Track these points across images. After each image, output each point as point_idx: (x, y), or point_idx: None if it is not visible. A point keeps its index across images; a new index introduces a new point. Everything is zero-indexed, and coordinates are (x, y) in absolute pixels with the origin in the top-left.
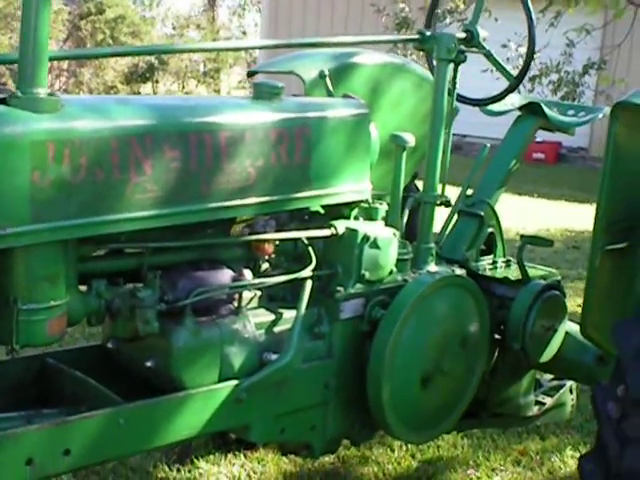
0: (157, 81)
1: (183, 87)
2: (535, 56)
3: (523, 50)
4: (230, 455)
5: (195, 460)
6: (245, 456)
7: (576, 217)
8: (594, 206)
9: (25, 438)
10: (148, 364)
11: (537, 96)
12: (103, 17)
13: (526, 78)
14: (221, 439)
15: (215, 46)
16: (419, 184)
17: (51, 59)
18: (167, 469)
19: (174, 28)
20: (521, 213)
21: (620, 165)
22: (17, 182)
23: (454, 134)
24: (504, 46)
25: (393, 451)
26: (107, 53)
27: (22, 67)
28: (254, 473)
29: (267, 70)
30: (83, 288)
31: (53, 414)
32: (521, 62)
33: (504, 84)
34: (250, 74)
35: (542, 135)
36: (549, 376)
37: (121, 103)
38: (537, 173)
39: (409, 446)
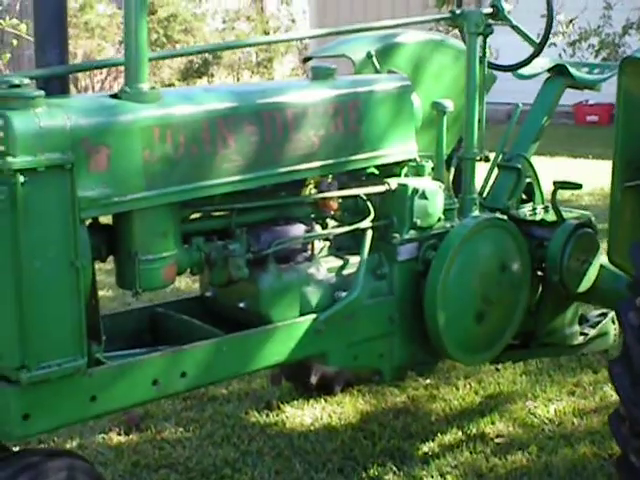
0: (212, 75)
1: (238, 79)
2: (574, 21)
3: (561, 18)
4: (312, 400)
5: (281, 405)
6: (325, 400)
7: None
8: None
9: (151, 363)
10: (241, 305)
11: (577, 60)
12: (156, 17)
13: (566, 43)
14: (303, 387)
15: (278, 38)
16: None
17: (150, 59)
18: (257, 414)
19: (224, 22)
20: (576, 174)
21: (630, 112)
22: (133, 159)
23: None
24: (543, 16)
25: (458, 389)
26: (195, 51)
27: (128, 67)
28: (334, 413)
29: (321, 55)
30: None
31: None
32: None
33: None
34: (305, 60)
35: (595, 97)
36: (596, 312)
37: (206, 91)
38: (591, 135)
39: (472, 384)
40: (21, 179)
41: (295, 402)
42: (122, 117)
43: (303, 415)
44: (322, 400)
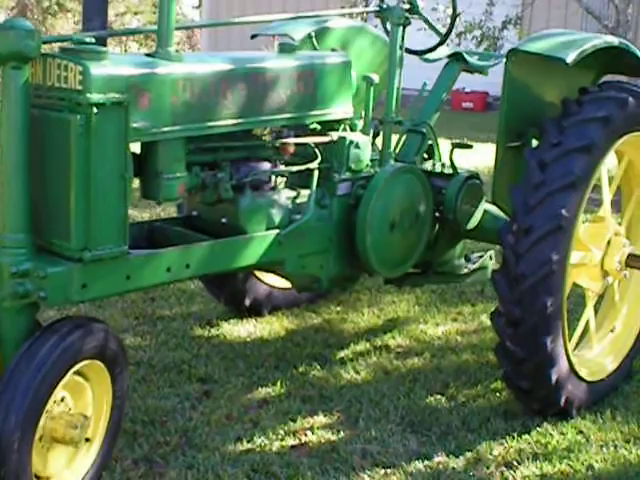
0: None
1: (126, 50)
2: (461, 15)
3: (450, 11)
4: (245, 319)
5: (219, 322)
6: (256, 320)
7: None
8: None
9: (166, 255)
10: (223, 220)
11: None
12: None
13: (454, 35)
14: (237, 309)
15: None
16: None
17: (176, 29)
18: (201, 329)
19: None
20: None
21: (513, 91)
22: (165, 102)
23: None
24: (434, 9)
25: (364, 315)
26: (212, 23)
27: (159, 34)
28: (265, 329)
29: (266, 33)
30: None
31: None
32: (448, 20)
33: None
34: (253, 36)
35: (471, 86)
36: (476, 254)
37: (213, 57)
38: (467, 120)
39: (375, 311)
40: (94, 111)
41: (231, 320)
42: (159, 70)
43: (239, 330)
44: (253, 320)
